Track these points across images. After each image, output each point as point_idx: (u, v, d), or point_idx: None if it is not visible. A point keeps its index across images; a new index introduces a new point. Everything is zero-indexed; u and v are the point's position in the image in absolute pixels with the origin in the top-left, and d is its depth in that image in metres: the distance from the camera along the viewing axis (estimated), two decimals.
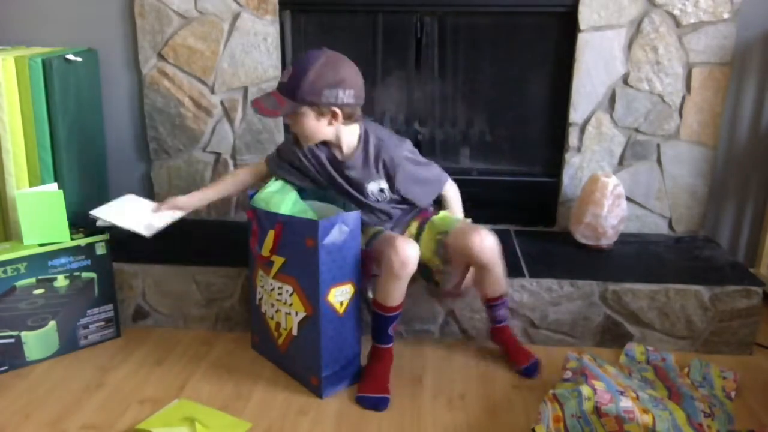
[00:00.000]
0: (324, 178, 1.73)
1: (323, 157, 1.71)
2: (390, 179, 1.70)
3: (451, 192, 1.82)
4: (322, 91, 1.54)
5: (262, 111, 1.60)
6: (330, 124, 1.61)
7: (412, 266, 1.58)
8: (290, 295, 1.63)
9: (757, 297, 1.81)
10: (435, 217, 1.78)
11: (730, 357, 1.83)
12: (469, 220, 1.80)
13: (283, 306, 1.66)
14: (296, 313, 1.63)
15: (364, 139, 1.68)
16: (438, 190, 1.79)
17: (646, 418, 1.39)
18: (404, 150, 1.71)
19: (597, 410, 1.42)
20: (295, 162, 1.74)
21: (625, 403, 1.41)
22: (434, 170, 1.78)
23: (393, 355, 1.71)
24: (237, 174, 1.89)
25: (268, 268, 1.67)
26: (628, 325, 1.87)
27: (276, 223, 1.62)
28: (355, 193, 1.72)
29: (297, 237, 1.57)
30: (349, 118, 1.62)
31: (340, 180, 1.71)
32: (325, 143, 1.69)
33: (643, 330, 1.87)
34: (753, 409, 1.62)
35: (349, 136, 1.67)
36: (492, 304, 1.75)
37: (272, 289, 1.68)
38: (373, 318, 1.68)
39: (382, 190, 1.72)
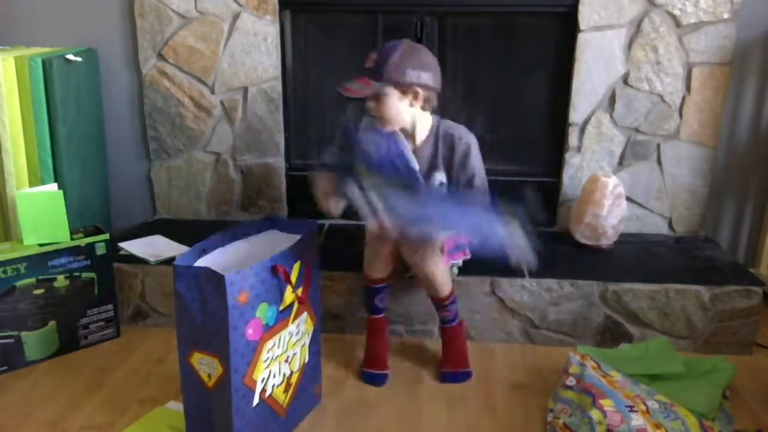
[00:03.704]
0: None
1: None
2: (450, 170, 1.72)
3: None
4: (405, 70, 1.60)
5: (349, 92, 1.62)
6: (411, 105, 1.65)
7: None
8: (305, 321, 1.50)
9: (757, 297, 1.82)
10: None
11: (730, 357, 1.83)
12: None
13: (298, 343, 1.49)
14: (308, 335, 1.53)
15: (436, 130, 1.71)
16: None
17: None
18: (473, 138, 1.74)
19: None
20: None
21: (637, 421, 1.38)
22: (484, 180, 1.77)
23: (388, 324, 1.79)
24: None
25: (287, 318, 1.44)
26: (628, 325, 1.87)
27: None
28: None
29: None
30: (427, 102, 1.66)
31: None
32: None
33: (643, 330, 1.86)
34: (753, 409, 1.62)
35: (424, 122, 1.70)
36: (437, 304, 1.75)
37: (289, 339, 1.45)
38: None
39: (441, 184, 1.73)
